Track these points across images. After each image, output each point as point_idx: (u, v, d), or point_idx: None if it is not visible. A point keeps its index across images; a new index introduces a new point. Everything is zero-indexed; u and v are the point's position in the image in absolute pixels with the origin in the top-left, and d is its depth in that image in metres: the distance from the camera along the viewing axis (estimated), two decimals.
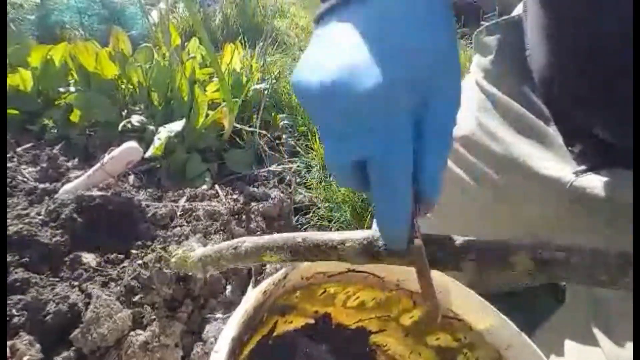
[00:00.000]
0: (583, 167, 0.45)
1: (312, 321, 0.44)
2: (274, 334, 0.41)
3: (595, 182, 0.43)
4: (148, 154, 0.92)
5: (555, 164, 0.47)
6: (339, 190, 1.05)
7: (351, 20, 0.26)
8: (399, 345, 0.44)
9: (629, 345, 0.40)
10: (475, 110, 0.55)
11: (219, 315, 0.66)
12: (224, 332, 0.30)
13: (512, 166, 0.50)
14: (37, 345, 0.54)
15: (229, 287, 0.72)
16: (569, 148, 0.46)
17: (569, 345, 0.47)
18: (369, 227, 0.93)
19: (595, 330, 0.44)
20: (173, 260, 0.49)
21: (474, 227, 0.59)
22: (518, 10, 0.51)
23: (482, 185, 0.55)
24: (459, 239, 0.29)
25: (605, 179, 0.43)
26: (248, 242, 0.38)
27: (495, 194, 0.54)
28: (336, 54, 0.26)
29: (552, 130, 0.48)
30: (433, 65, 0.26)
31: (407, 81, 0.25)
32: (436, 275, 0.39)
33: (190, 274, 0.49)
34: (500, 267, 0.27)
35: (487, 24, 0.53)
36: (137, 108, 1.12)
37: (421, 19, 0.26)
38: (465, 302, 0.39)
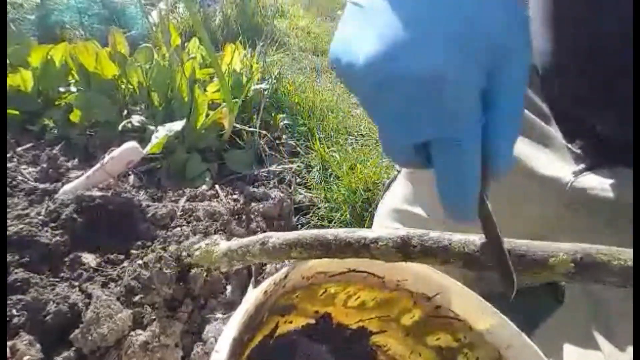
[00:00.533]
0: (582, 166, 0.45)
1: (312, 321, 0.44)
2: (276, 334, 0.41)
3: (595, 182, 0.43)
4: (145, 151, 0.92)
5: (555, 163, 0.47)
6: (339, 191, 1.05)
7: None
8: (399, 345, 0.44)
9: (630, 349, 0.40)
10: None
11: (219, 315, 0.66)
12: (225, 332, 0.30)
13: (515, 167, 0.50)
14: (37, 346, 0.54)
15: (229, 287, 0.72)
16: (570, 146, 0.46)
17: (569, 346, 0.47)
18: (370, 227, 0.93)
19: (596, 333, 0.44)
20: (197, 253, 0.50)
21: (472, 230, 0.59)
22: None
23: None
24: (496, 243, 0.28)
25: (605, 178, 0.43)
26: (276, 237, 0.37)
27: (494, 194, 0.53)
28: (389, 25, 0.23)
29: (552, 130, 0.48)
30: (502, 34, 0.23)
31: (475, 55, 0.23)
32: (436, 276, 0.39)
33: (209, 268, 0.51)
34: (539, 269, 0.27)
35: None
36: (138, 108, 1.12)
37: None
38: (465, 302, 0.39)
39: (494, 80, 0.24)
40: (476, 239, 0.30)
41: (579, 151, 0.45)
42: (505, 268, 0.27)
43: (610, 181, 0.42)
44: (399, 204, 0.70)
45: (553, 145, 0.47)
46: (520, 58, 0.24)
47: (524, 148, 0.49)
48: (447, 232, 0.30)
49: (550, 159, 0.47)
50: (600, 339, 0.43)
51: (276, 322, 0.41)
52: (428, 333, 0.42)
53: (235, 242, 0.43)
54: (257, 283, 0.81)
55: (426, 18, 0.23)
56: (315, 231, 0.35)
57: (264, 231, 0.87)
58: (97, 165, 0.83)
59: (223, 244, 0.46)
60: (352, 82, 0.25)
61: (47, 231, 0.69)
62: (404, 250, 0.30)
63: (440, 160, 0.25)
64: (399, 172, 0.80)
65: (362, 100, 0.26)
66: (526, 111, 0.49)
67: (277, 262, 0.37)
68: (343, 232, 0.33)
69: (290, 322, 0.43)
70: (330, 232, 0.34)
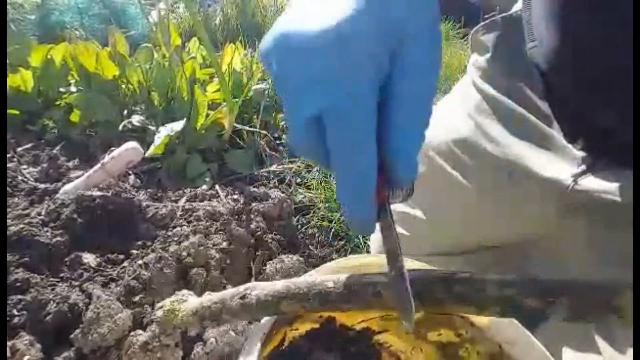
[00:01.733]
0: (583, 168, 0.44)
1: (316, 325, 0.43)
2: (284, 345, 0.41)
3: (595, 184, 0.43)
4: (148, 153, 0.92)
5: (555, 165, 0.46)
6: None
7: None
8: (400, 341, 0.44)
9: (629, 351, 0.40)
10: (472, 111, 0.54)
11: None
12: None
13: (511, 168, 0.50)
14: (38, 345, 0.54)
15: (229, 287, 0.72)
16: (571, 146, 0.46)
17: (568, 347, 0.47)
18: None
19: (596, 335, 0.44)
20: (159, 314, 0.40)
21: (472, 231, 0.59)
22: (517, 7, 0.51)
23: (481, 190, 0.54)
24: (543, 281, 0.24)
25: (605, 180, 0.43)
26: (259, 289, 0.32)
27: (494, 197, 0.53)
28: (298, 11, 0.24)
29: (553, 131, 0.47)
30: (404, 20, 0.24)
31: (369, 24, 0.23)
32: None
33: (179, 326, 0.40)
34: (602, 311, 0.22)
35: (484, 22, 0.53)
36: (138, 108, 1.12)
37: None
38: None
39: (394, 64, 0.24)
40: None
41: (580, 152, 0.45)
42: (402, 299, 0.24)
43: (611, 182, 0.42)
44: (396, 206, 0.70)
45: (553, 147, 0.47)
46: (420, 44, 0.24)
47: (523, 149, 0.49)
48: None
49: (550, 160, 0.47)
50: (600, 342, 0.43)
51: (284, 332, 0.40)
52: (429, 329, 0.42)
53: (207, 298, 0.37)
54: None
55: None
56: (309, 279, 0.29)
57: (264, 231, 0.87)
58: (98, 166, 0.83)
59: (192, 301, 0.39)
60: (264, 64, 0.26)
61: (47, 231, 0.69)
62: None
63: (330, 140, 0.23)
64: None
65: (275, 73, 0.25)
66: (525, 112, 0.49)
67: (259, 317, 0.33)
68: (346, 278, 0.28)
69: (296, 330, 0.42)
70: (330, 280, 0.28)
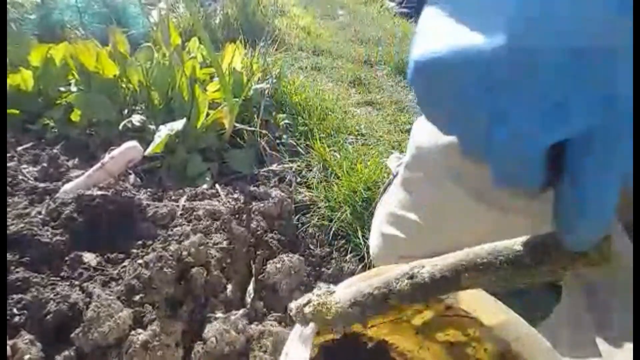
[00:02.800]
0: None
1: (330, 336, 0.43)
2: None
3: None
4: (147, 151, 0.92)
5: None
6: (340, 190, 1.05)
7: None
8: (408, 342, 0.44)
9: (627, 345, 0.40)
10: None
11: (219, 314, 0.66)
12: None
13: None
14: (38, 345, 0.54)
15: (229, 287, 0.72)
16: None
17: (568, 347, 0.47)
18: (369, 227, 0.93)
19: (597, 337, 0.44)
20: (307, 310, 0.35)
21: (469, 235, 0.59)
22: None
23: (477, 193, 0.54)
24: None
25: None
26: (429, 265, 0.29)
27: (493, 200, 0.53)
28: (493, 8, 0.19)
29: None
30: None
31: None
32: None
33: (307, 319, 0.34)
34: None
35: None
36: (138, 108, 1.12)
37: None
38: (477, 301, 0.39)
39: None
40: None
41: None
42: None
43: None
44: (394, 208, 0.70)
45: None
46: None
47: None
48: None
49: None
50: (599, 341, 0.43)
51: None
52: (438, 330, 0.42)
53: (365, 284, 0.32)
54: (257, 283, 0.81)
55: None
56: (488, 246, 0.27)
57: (265, 230, 0.87)
58: (98, 165, 0.83)
59: (343, 291, 0.34)
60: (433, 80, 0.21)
61: (47, 230, 0.69)
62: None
63: (581, 168, 0.20)
64: (394, 175, 0.80)
65: (479, 94, 0.20)
66: None
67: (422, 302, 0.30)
68: (532, 238, 0.25)
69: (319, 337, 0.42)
70: (516, 242, 0.26)
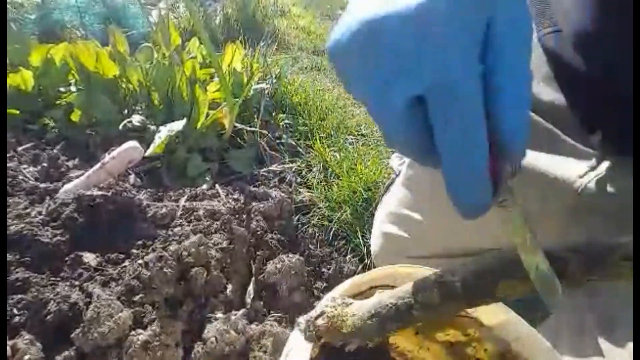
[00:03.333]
0: (592, 164, 0.44)
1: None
2: None
3: (605, 183, 0.43)
4: (148, 152, 0.92)
5: (560, 166, 0.46)
6: (340, 190, 1.05)
7: None
8: (407, 342, 0.44)
9: (629, 345, 0.40)
10: None
11: (219, 314, 0.66)
12: None
13: None
14: (38, 345, 0.54)
15: (229, 287, 0.72)
16: (590, 135, 0.44)
17: (569, 346, 0.47)
18: (370, 227, 0.93)
19: (599, 338, 0.44)
20: (320, 322, 0.31)
21: (471, 233, 0.59)
22: None
23: None
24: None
25: (617, 179, 0.42)
26: (463, 269, 0.26)
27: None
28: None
29: (558, 131, 0.47)
30: None
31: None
32: None
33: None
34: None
35: None
36: (138, 108, 1.12)
37: None
38: None
39: (492, 27, 0.22)
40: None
41: (590, 150, 0.44)
42: (547, 280, 0.22)
43: (624, 181, 0.42)
44: (396, 207, 0.70)
45: (558, 147, 0.46)
46: (513, 19, 0.22)
47: (529, 153, 0.48)
48: None
49: (554, 161, 0.46)
50: (601, 341, 0.43)
51: None
52: (438, 330, 0.42)
53: (386, 294, 0.29)
54: (257, 283, 0.81)
55: None
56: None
57: (265, 230, 0.87)
58: (98, 165, 0.83)
59: (360, 302, 0.30)
60: (337, 56, 0.25)
61: (47, 230, 0.69)
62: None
63: (437, 122, 0.22)
64: (397, 175, 0.80)
65: (355, 65, 0.24)
66: (534, 115, 0.48)
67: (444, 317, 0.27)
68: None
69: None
70: (561, 247, 0.24)
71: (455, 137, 0.22)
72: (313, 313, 0.31)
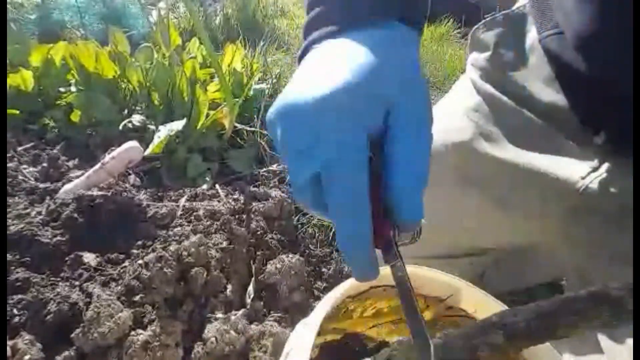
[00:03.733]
0: (596, 164, 0.44)
1: (328, 337, 0.43)
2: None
3: (606, 184, 0.43)
4: (148, 152, 0.92)
5: (560, 166, 0.46)
6: None
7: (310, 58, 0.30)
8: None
9: (629, 341, 0.40)
10: (471, 112, 0.53)
11: (219, 314, 0.66)
12: None
13: (512, 171, 0.49)
14: (38, 345, 0.54)
15: (229, 287, 0.72)
16: (594, 136, 0.44)
17: (568, 346, 0.47)
18: None
19: (600, 336, 0.44)
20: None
21: (472, 235, 0.59)
22: (519, 4, 0.50)
23: (480, 193, 0.54)
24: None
25: (611, 183, 0.42)
26: (521, 313, 0.27)
27: (494, 201, 0.53)
28: (299, 83, 0.28)
29: (558, 131, 0.47)
30: (394, 81, 0.26)
31: (359, 91, 0.25)
32: (447, 278, 0.39)
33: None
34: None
35: (484, 20, 0.52)
36: (138, 108, 1.12)
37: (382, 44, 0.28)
38: (476, 301, 0.39)
39: (391, 114, 0.26)
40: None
41: (594, 150, 0.44)
42: (421, 338, 0.25)
43: (624, 181, 0.42)
44: None
45: (557, 147, 0.46)
46: (410, 115, 0.26)
47: (526, 151, 0.48)
48: None
49: (554, 162, 0.46)
50: (600, 338, 0.43)
51: None
52: (437, 330, 0.42)
53: (452, 334, 0.29)
54: (257, 283, 0.81)
55: (327, 67, 0.27)
56: (585, 291, 0.26)
57: (265, 231, 0.87)
58: (98, 165, 0.83)
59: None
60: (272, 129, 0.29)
61: (47, 231, 0.69)
62: None
63: (327, 194, 0.25)
64: None
65: (279, 139, 0.28)
66: (527, 112, 0.48)
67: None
68: None
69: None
70: (613, 284, 0.25)
71: (340, 211, 0.25)
72: (379, 357, 0.32)
